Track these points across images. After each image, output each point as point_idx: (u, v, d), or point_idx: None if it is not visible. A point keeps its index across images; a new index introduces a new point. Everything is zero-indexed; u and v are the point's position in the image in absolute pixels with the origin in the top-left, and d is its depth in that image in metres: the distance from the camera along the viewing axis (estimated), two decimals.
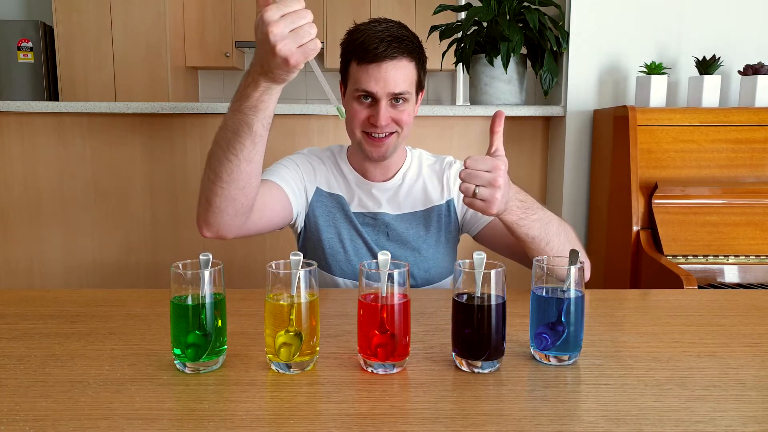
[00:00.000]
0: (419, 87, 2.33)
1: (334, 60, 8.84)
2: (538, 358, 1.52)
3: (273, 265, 1.46)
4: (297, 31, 1.55)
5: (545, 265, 1.55)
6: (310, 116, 4.20)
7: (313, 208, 2.41)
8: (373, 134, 2.26)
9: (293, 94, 9.42)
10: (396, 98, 2.22)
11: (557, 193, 4.28)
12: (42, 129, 4.15)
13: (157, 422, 1.22)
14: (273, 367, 1.46)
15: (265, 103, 1.73)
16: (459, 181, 2.34)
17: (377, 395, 1.33)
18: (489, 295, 1.45)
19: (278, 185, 2.28)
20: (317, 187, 2.42)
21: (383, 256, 1.45)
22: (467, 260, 1.50)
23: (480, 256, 1.46)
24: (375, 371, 1.45)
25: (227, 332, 1.53)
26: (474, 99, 4.32)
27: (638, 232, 3.45)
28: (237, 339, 1.64)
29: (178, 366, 1.46)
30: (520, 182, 4.64)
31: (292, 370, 1.44)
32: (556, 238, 2.03)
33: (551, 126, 4.33)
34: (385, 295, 1.45)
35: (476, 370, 1.45)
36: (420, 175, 2.48)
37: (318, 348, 1.49)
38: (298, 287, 1.43)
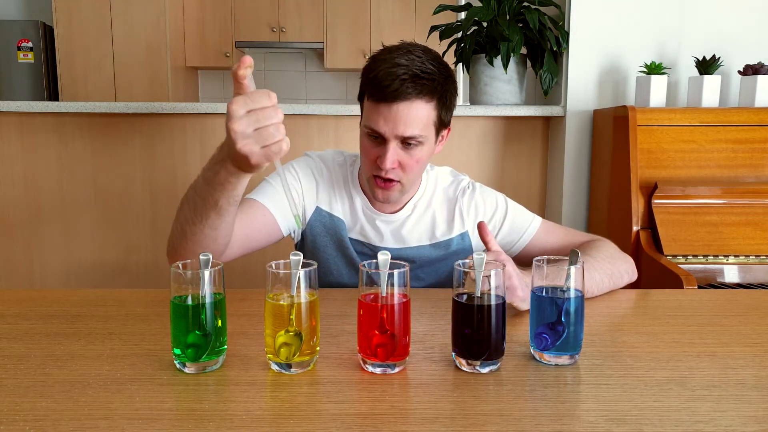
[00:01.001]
0: (441, 126, 2.18)
1: (333, 60, 8.86)
2: (538, 358, 1.52)
3: (273, 265, 1.45)
4: (261, 132, 1.50)
5: (545, 266, 1.54)
6: (310, 117, 4.20)
7: (312, 227, 2.33)
8: (377, 174, 2.16)
9: (293, 94, 9.42)
10: (407, 141, 2.10)
11: (557, 193, 4.28)
12: (42, 129, 4.16)
13: (157, 422, 1.22)
14: (273, 367, 1.45)
15: (232, 184, 1.69)
16: (475, 211, 2.32)
17: (377, 395, 1.33)
18: (489, 295, 1.44)
19: (266, 209, 2.20)
20: (317, 207, 2.33)
21: (383, 256, 1.44)
22: (467, 260, 1.49)
23: (480, 257, 1.45)
24: (375, 371, 1.45)
25: (227, 332, 1.52)
26: (474, 99, 4.32)
27: (638, 232, 3.45)
28: (237, 339, 1.64)
29: (178, 366, 1.45)
30: (520, 183, 4.64)
31: (292, 370, 1.43)
32: (606, 274, 2.07)
33: (551, 126, 4.34)
34: (385, 295, 1.44)
35: (476, 370, 1.45)
36: (430, 206, 2.37)
37: (318, 348, 1.49)
38: (298, 287, 1.42)
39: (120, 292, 2.04)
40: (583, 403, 1.31)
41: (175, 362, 1.47)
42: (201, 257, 1.47)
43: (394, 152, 2.10)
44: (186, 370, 1.44)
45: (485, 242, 1.79)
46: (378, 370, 1.45)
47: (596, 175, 4.09)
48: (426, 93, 2.05)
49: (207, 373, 1.44)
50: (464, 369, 1.46)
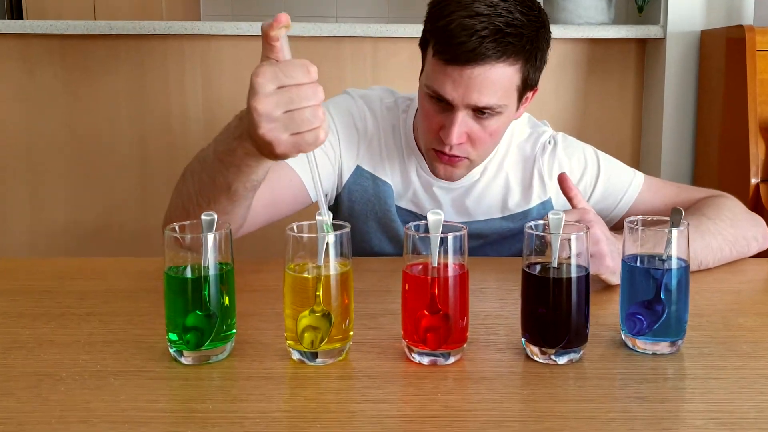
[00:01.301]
0: (526, 89, 2.12)
1: None
2: (631, 345, 1.51)
3: (294, 227, 1.45)
4: (293, 115, 1.44)
5: (640, 229, 1.52)
6: (342, 39, 4.15)
7: (349, 192, 2.32)
8: (440, 149, 2.12)
9: (319, 11, 9.38)
10: (481, 110, 2.04)
11: (655, 138, 4.26)
12: (2, 55, 4.16)
13: (148, 426, 1.21)
14: (294, 357, 1.45)
15: (250, 168, 1.66)
16: (559, 172, 2.16)
17: (426, 392, 1.33)
18: (569, 266, 1.43)
19: (292, 170, 2.16)
20: (357, 166, 2.31)
21: (435, 216, 1.44)
22: (540, 221, 1.49)
23: (557, 216, 1.44)
24: (423, 362, 1.44)
25: (236, 313, 1.52)
26: (550, 17, 4.25)
27: (757, 185, 3.42)
28: (249, 321, 1.64)
29: (173, 355, 1.46)
30: (607, 126, 4.62)
31: (318, 360, 1.44)
32: (727, 240, 2.05)
33: (647, 51, 4.30)
34: (436, 265, 1.43)
35: (552, 360, 1.44)
36: (502, 168, 2.32)
37: (351, 333, 1.49)
38: (327, 255, 1.42)
39: (100, 261, 2.07)
40: (688, 402, 1.31)
41: (171, 351, 1.47)
42: (204, 217, 1.46)
43: (462, 123, 2.04)
44: (184, 360, 1.45)
45: (569, 198, 1.78)
46: (427, 361, 1.44)
47: (704, 114, 4.07)
48: (511, 54, 1.98)
49: (211, 364, 1.45)
50: (537, 359, 1.46)
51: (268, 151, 1.50)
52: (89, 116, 4.23)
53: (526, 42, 1.99)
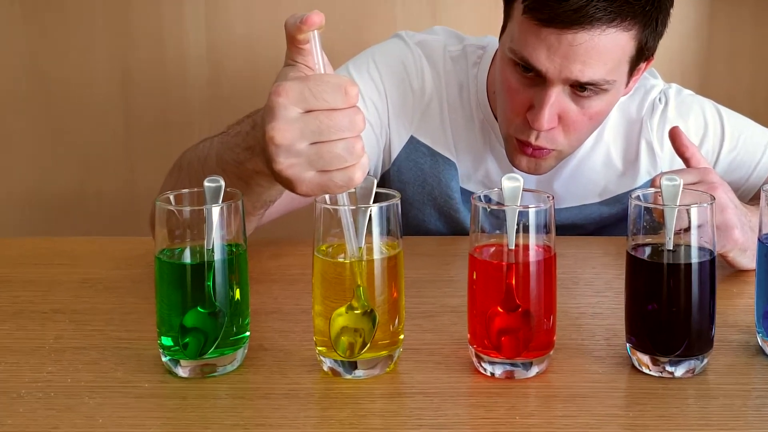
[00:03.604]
0: (640, 59, 1.99)
1: None
2: None
3: (327, 198, 1.38)
4: (321, 150, 1.32)
5: None
6: None
7: (399, 169, 2.23)
8: (523, 138, 1.98)
9: None
10: (581, 87, 1.90)
11: None
12: None
13: None
14: (326, 368, 1.40)
15: (262, 188, 1.59)
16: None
17: (500, 415, 1.27)
18: (689, 248, 1.36)
19: None
20: (411, 136, 2.21)
21: (511, 183, 1.36)
22: (650, 189, 1.44)
23: (673, 183, 1.35)
24: (497, 374, 1.39)
25: (250, 310, 1.47)
26: None
27: None
28: (266, 321, 1.60)
29: (168, 366, 1.41)
30: (737, 67, 4.50)
31: (358, 372, 1.38)
32: None
33: None
34: (514, 247, 1.36)
35: (667, 372, 1.38)
36: (601, 139, 2.21)
37: (402, 336, 1.43)
38: (369, 234, 1.36)
39: (71, 241, 2.04)
40: None
41: (164, 360, 1.41)
42: (207, 183, 1.38)
43: (556, 104, 1.91)
44: (181, 372, 1.39)
45: (685, 159, 1.72)
46: (502, 373, 1.39)
47: None
48: (626, 16, 1.86)
49: (217, 377, 1.39)
50: (647, 371, 1.40)
51: (287, 186, 1.39)
52: (59, 59, 4.10)
53: (646, 1, 1.88)
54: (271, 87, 1.33)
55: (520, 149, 1.98)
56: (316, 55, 1.37)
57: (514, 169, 2.08)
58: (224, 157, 1.60)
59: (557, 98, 1.88)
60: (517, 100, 1.93)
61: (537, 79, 1.88)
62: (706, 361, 1.40)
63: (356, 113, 1.32)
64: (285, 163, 1.32)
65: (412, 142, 2.17)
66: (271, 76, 1.47)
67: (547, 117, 1.87)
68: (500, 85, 1.99)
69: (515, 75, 1.92)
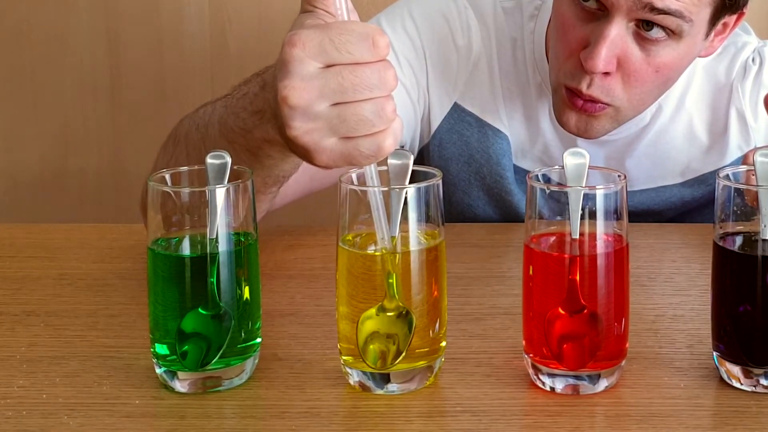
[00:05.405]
0: (725, 8, 1.92)
1: None
2: None
3: (353, 177, 1.33)
4: (344, 112, 1.25)
5: None
6: None
7: (441, 142, 2.17)
8: (573, 85, 1.92)
9: None
10: (648, 23, 1.82)
11: None
12: None
13: None
14: (352, 381, 1.36)
15: (273, 160, 1.53)
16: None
17: None
18: None
19: None
20: (455, 103, 2.15)
21: (575, 159, 1.33)
22: (742, 167, 1.40)
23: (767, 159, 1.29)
24: (558, 389, 1.35)
25: (261, 312, 1.44)
26: None
27: None
28: (281, 325, 1.57)
29: (163, 378, 1.36)
30: None
31: (392, 386, 1.34)
32: None
33: None
34: (578, 237, 1.33)
35: (762, 386, 1.34)
36: (682, 107, 2.13)
37: (444, 343, 1.38)
38: (405, 221, 1.31)
39: (48, 228, 2.02)
40: None
41: (159, 371, 1.37)
42: (210, 160, 1.34)
43: (617, 41, 1.83)
44: (180, 387, 1.35)
45: None
46: (564, 387, 1.35)
47: None
48: None
49: (221, 393, 1.35)
50: (738, 385, 1.35)
51: (303, 156, 1.32)
52: (33, 11, 4.17)
53: None
54: (285, 37, 1.24)
55: (569, 101, 1.90)
56: (337, 1, 1.27)
57: (578, 139, 2.03)
58: (228, 124, 1.54)
59: (619, 35, 1.80)
60: (570, 37, 1.86)
61: (597, 11, 1.81)
62: None
63: (386, 68, 1.25)
64: (301, 129, 1.26)
65: (456, 110, 2.10)
66: (285, 29, 1.38)
67: (604, 55, 1.79)
68: (554, 22, 1.92)
69: (572, 7, 1.84)
